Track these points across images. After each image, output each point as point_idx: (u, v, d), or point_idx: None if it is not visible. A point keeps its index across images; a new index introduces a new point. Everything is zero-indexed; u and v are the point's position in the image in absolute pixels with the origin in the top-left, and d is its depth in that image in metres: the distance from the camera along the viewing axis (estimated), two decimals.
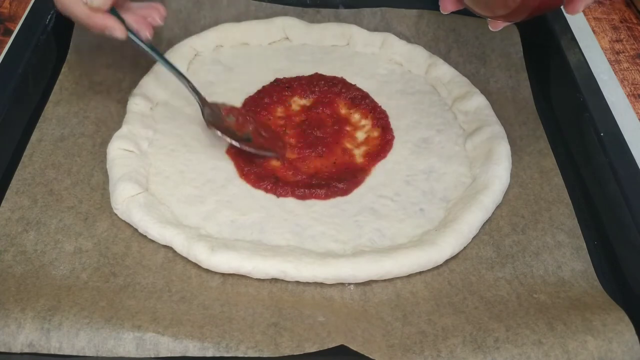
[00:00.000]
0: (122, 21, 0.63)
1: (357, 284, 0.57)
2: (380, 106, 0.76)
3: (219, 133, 0.67)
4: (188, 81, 0.69)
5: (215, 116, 0.69)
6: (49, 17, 0.77)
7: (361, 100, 0.76)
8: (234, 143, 0.67)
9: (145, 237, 0.60)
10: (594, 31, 0.88)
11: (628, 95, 0.80)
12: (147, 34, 0.64)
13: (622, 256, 0.60)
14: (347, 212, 0.65)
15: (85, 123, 0.70)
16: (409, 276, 0.58)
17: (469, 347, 0.51)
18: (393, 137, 0.73)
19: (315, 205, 0.65)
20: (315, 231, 0.62)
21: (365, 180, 0.68)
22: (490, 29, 0.63)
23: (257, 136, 0.70)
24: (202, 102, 0.69)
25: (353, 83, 0.79)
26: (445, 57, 0.82)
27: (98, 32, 0.62)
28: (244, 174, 0.67)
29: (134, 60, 0.78)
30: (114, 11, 0.62)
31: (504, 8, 0.57)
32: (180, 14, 0.83)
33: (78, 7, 0.60)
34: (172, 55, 0.78)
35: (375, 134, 0.73)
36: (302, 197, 0.65)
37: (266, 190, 0.66)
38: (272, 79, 0.78)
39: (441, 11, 0.64)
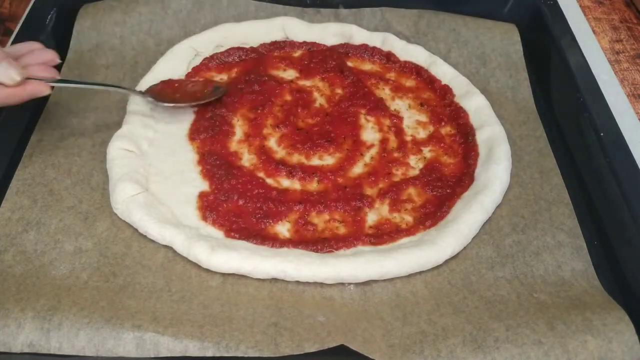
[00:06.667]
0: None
1: (357, 284, 0.57)
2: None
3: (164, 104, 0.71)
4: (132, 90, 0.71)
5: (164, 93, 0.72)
6: (49, 17, 0.77)
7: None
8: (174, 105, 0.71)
9: (145, 237, 0.60)
10: (594, 31, 0.88)
11: (628, 95, 0.80)
12: (55, 76, 0.62)
13: (622, 256, 0.60)
14: None
15: (85, 123, 0.70)
16: (409, 276, 0.58)
17: (469, 346, 0.51)
18: None
19: None
20: None
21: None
22: None
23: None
24: (142, 93, 0.71)
25: None
26: (445, 57, 0.82)
27: (25, 100, 0.59)
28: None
29: (133, 61, 0.78)
30: None
31: None
32: (180, 14, 0.83)
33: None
34: (172, 55, 0.78)
35: None
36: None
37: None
38: None
39: None
